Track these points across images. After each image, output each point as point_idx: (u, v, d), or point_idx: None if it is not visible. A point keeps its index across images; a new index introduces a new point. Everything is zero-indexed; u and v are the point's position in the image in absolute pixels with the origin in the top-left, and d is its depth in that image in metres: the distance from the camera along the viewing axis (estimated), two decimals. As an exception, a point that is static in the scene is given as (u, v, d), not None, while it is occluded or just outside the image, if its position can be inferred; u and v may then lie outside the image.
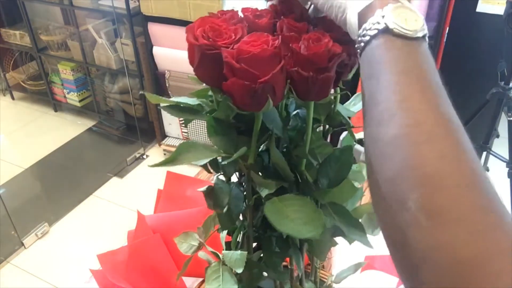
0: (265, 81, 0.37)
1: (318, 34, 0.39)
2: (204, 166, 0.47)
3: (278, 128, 0.45)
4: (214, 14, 0.44)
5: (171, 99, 0.46)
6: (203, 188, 0.48)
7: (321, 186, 0.46)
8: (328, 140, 0.52)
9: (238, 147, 0.42)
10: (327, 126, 0.51)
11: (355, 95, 0.54)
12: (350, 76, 0.46)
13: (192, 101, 0.47)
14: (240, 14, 0.45)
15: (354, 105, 0.53)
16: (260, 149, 0.47)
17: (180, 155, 0.41)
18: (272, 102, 0.39)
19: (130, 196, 2.28)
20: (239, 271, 0.45)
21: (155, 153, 2.61)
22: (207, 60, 0.40)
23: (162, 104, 0.46)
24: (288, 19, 0.42)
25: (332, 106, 0.49)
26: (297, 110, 0.48)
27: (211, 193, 0.47)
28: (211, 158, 0.42)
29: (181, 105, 0.46)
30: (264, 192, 0.46)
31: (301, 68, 0.39)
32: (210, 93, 0.47)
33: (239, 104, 0.40)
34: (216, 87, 0.42)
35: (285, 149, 0.48)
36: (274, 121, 0.44)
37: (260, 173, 0.47)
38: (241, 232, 0.53)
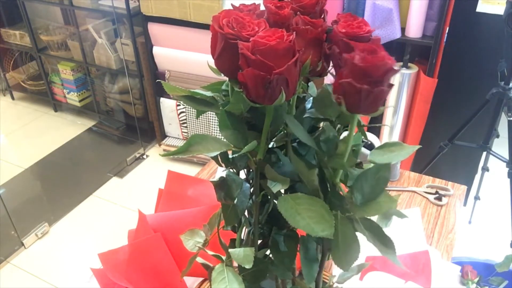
0: (280, 72, 0.38)
1: (373, 45, 0.38)
2: (215, 159, 0.48)
3: (303, 136, 0.44)
4: (238, 7, 0.46)
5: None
6: (215, 179, 0.49)
7: (355, 201, 0.45)
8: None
9: (248, 141, 0.43)
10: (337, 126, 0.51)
11: None
12: None
13: (206, 93, 0.48)
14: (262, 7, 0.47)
15: None
16: (270, 146, 0.48)
17: (191, 146, 0.42)
18: (285, 96, 0.40)
19: (130, 196, 2.28)
20: (248, 266, 0.45)
21: (155, 153, 2.61)
22: (229, 50, 0.41)
23: (177, 94, 0.47)
24: (304, 15, 0.43)
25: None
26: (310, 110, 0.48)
27: (222, 184, 0.48)
28: (221, 151, 0.43)
29: (197, 96, 0.47)
30: (276, 188, 0.46)
31: (354, 80, 0.38)
32: (223, 87, 0.48)
33: (253, 96, 0.41)
34: (234, 79, 0.43)
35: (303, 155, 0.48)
36: (297, 128, 0.44)
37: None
38: (245, 229, 0.53)
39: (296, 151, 0.48)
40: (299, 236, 0.53)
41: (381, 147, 0.50)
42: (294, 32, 0.40)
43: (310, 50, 0.45)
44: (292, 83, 0.40)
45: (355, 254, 0.46)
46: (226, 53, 0.42)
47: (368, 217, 0.45)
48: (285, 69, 0.38)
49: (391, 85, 0.40)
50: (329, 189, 0.47)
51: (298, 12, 0.46)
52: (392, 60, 0.37)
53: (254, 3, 0.47)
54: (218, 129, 0.44)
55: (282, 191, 0.48)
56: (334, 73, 0.47)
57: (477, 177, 1.99)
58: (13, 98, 3.19)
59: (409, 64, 1.80)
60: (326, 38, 0.46)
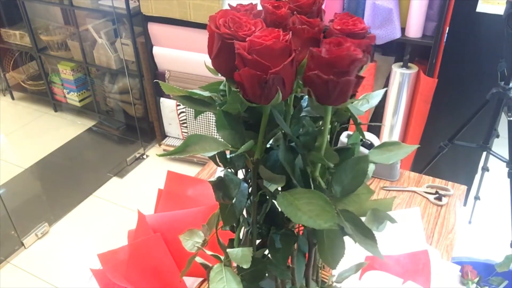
0: (276, 72, 0.38)
1: (340, 38, 0.40)
2: (213, 159, 0.48)
3: (283, 126, 0.44)
4: (235, 7, 0.46)
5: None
6: (213, 179, 0.49)
7: (334, 193, 0.45)
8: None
9: (246, 141, 0.43)
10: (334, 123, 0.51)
11: (362, 95, 0.55)
12: (360, 72, 0.46)
13: (204, 93, 0.48)
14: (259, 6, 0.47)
15: (362, 105, 0.53)
16: (268, 146, 0.48)
17: (189, 146, 0.42)
18: (282, 95, 0.40)
19: (130, 196, 2.28)
20: (246, 266, 0.45)
21: (155, 153, 2.61)
22: (226, 50, 0.41)
23: (175, 95, 0.47)
24: (301, 15, 0.43)
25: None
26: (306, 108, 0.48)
27: (220, 184, 0.48)
28: (218, 151, 0.43)
29: (194, 96, 0.47)
30: (272, 187, 0.46)
31: (321, 71, 0.39)
32: (221, 87, 0.48)
33: (249, 95, 0.41)
34: (231, 78, 0.43)
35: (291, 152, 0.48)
36: (278, 118, 0.44)
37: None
38: (244, 229, 0.53)
39: (294, 150, 0.48)
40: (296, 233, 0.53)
41: (380, 146, 0.50)
42: (290, 32, 0.40)
43: (306, 49, 0.45)
44: (289, 83, 0.40)
45: (340, 250, 0.46)
46: (223, 53, 0.42)
47: (349, 210, 0.45)
48: (281, 68, 0.38)
49: (360, 77, 0.41)
50: (311, 184, 0.47)
51: (295, 12, 0.46)
52: (357, 51, 0.39)
53: (251, 3, 0.47)
54: (217, 129, 0.44)
55: (280, 188, 0.47)
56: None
57: (477, 177, 1.98)
58: (13, 98, 3.20)
59: (409, 64, 1.80)
60: (323, 38, 0.46)
